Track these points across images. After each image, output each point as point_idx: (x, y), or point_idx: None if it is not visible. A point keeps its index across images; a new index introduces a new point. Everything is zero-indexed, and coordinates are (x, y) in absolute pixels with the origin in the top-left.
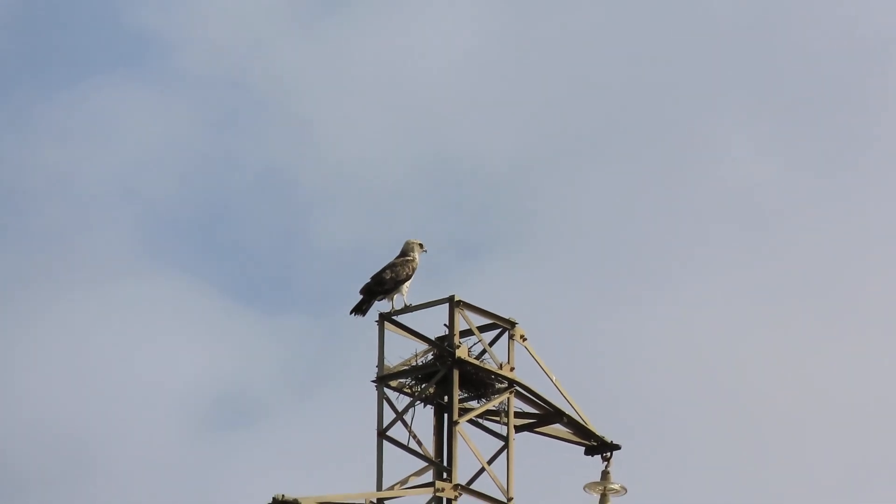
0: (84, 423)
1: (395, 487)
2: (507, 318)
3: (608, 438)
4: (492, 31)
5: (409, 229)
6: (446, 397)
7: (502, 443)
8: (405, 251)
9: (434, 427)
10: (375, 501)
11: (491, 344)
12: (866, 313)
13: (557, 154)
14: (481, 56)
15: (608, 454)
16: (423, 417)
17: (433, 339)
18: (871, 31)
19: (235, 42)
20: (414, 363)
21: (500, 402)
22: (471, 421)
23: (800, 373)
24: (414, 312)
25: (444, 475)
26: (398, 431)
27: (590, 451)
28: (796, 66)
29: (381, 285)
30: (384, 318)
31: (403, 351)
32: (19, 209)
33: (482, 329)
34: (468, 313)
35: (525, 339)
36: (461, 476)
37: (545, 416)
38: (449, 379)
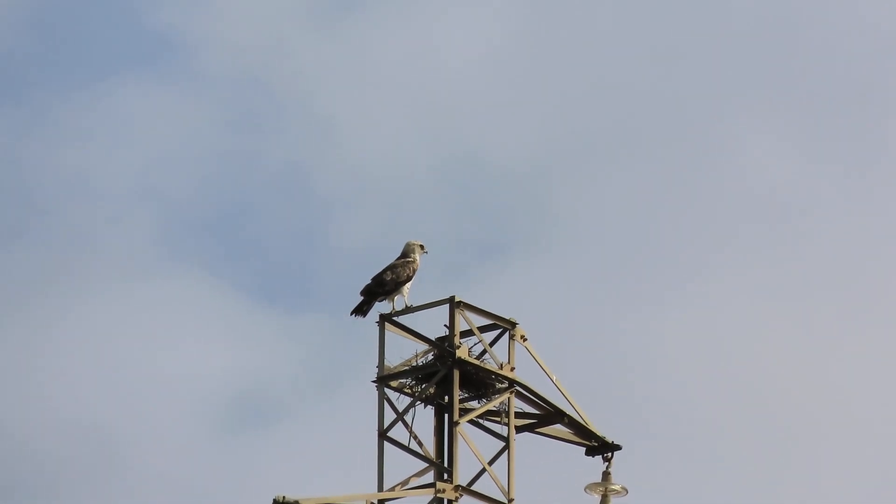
0: (106, 421)
1: (396, 488)
2: (507, 318)
3: (609, 439)
4: (511, 31)
5: (428, 228)
6: (447, 397)
7: (503, 443)
8: (406, 252)
9: (434, 427)
10: (376, 502)
11: (491, 344)
12: (889, 311)
13: (577, 154)
14: (500, 55)
15: (609, 455)
16: (424, 418)
17: (434, 339)
18: (892, 29)
19: (255, 42)
20: (414, 363)
21: (501, 403)
22: (471, 421)
23: (820, 372)
24: (415, 313)
25: (445, 476)
26: (399, 432)
27: (591, 452)
28: (816, 65)
29: (382, 286)
30: (385, 318)
31: (404, 351)
32: (41, 209)
33: (483, 329)
34: (468, 314)
35: (525, 340)
36: (462, 477)
37: (546, 416)
38: (449, 379)
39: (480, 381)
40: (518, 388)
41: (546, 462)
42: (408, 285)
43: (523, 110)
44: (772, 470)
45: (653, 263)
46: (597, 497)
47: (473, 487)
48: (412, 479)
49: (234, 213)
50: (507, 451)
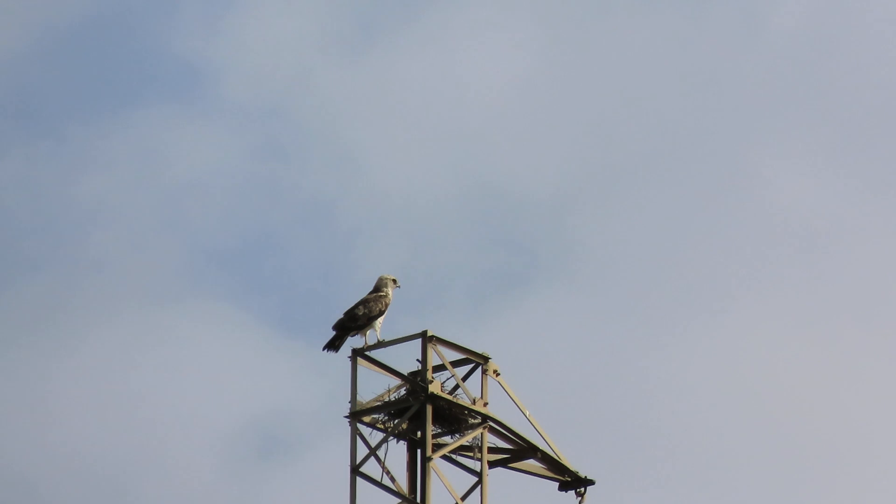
0: (124, 450)
1: None
2: (479, 352)
3: (582, 474)
4: (535, 60)
5: (451, 258)
6: (419, 433)
7: (476, 478)
8: (378, 287)
9: (407, 463)
10: None
11: (464, 379)
12: None
13: (600, 183)
14: (524, 85)
15: (582, 489)
16: (397, 453)
17: (406, 374)
18: None
19: (279, 71)
20: (387, 398)
21: (474, 438)
22: (444, 456)
23: (844, 399)
24: (388, 347)
25: None
26: (372, 467)
27: (564, 487)
28: (841, 90)
29: (355, 321)
30: (357, 353)
31: (377, 386)
32: (64, 237)
33: (455, 364)
34: (441, 348)
35: (498, 374)
36: None
37: (519, 451)
38: (422, 414)
39: (453, 417)
40: (491, 423)
41: (519, 497)
42: (380, 320)
43: (547, 139)
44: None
45: (677, 293)
46: None
47: None
48: None
49: (258, 242)
50: (480, 486)
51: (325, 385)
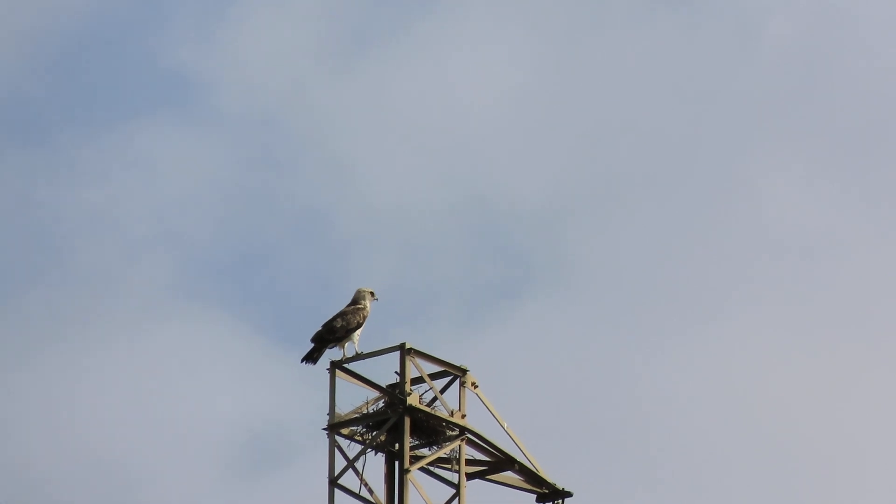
0: (121, 462)
1: None
2: (458, 365)
3: (559, 486)
4: (527, 72)
5: (444, 269)
6: (398, 445)
7: (454, 490)
8: (356, 299)
9: (385, 475)
10: None
11: (442, 391)
12: None
13: (592, 194)
14: (516, 96)
15: (560, 501)
16: (375, 465)
17: (384, 386)
18: None
19: (272, 82)
20: (365, 411)
21: (452, 450)
22: (422, 468)
23: (836, 411)
24: (367, 360)
25: None
26: (349, 479)
27: (541, 499)
28: (836, 101)
29: (333, 333)
30: (335, 365)
31: (356, 398)
32: (60, 250)
33: (434, 377)
34: (419, 360)
35: (476, 387)
36: None
37: (497, 463)
38: (400, 426)
39: (431, 429)
40: (469, 435)
41: None
42: (358, 332)
43: (540, 150)
44: None
45: (669, 303)
46: None
47: None
48: None
49: (253, 254)
50: (457, 498)
51: (319, 396)
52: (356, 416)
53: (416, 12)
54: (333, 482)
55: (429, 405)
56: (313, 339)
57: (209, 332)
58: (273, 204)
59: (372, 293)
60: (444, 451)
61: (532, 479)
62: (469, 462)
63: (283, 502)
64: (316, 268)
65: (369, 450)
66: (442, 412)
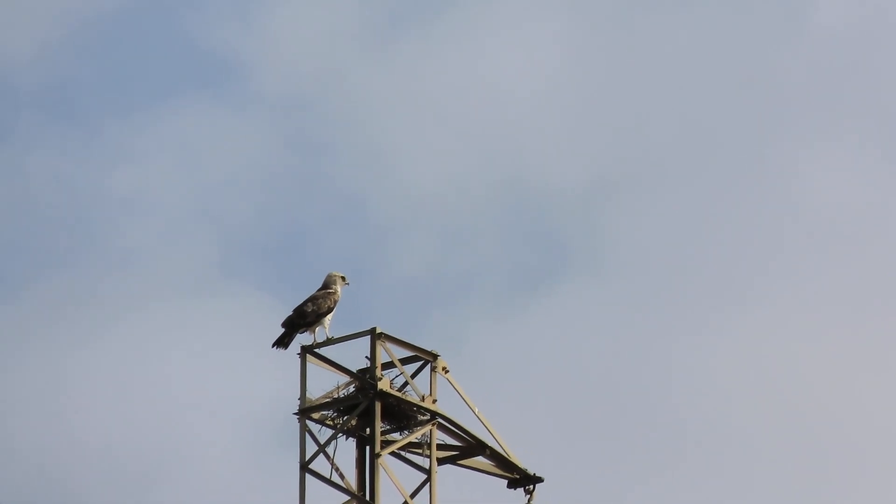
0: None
1: None
2: (429, 350)
3: (531, 471)
4: (565, 56)
5: (481, 253)
6: (368, 429)
7: (425, 475)
8: (327, 284)
9: (356, 460)
10: None
11: (413, 376)
12: None
13: (633, 177)
14: (554, 80)
15: (531, 487)
16: (346, 450)
17: (355, 371)
18: None
19: (311, 65)
20: (336, 395)
21: (423, 435)
22: (393, 453)
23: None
24: (339, 345)
25: None
26: (322, 464)
27: (512, 484)
28: (882, 85)
29: (303, 318)
30: (306, 350)
31: (327, 383)
32: (97, 230)
33: (405, 361)
34: (390, 345)
35: (447, 371)
36: None
37: (468, 448)
38: (371, 411)
39: (402, 413)
40: (440, 419)
41: (468, 494)
42: (329, 317)
43: (578, 133)
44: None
45: (700, 286)
46: None
47: None
48: None
49: (290, 235)
50: (428, 484)
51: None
52: (327, 400)
53: None
54: (304, 467)
55: (400, 390)
56: (284, 324)
57: (246, 311)
58: (310, 187)
59: (343, 278)
60: (415, 436)
61: (503, 464)
62: (440, 447)
63: None
64: (353, 252)
65: (340, 435)
66: (413, 397)
